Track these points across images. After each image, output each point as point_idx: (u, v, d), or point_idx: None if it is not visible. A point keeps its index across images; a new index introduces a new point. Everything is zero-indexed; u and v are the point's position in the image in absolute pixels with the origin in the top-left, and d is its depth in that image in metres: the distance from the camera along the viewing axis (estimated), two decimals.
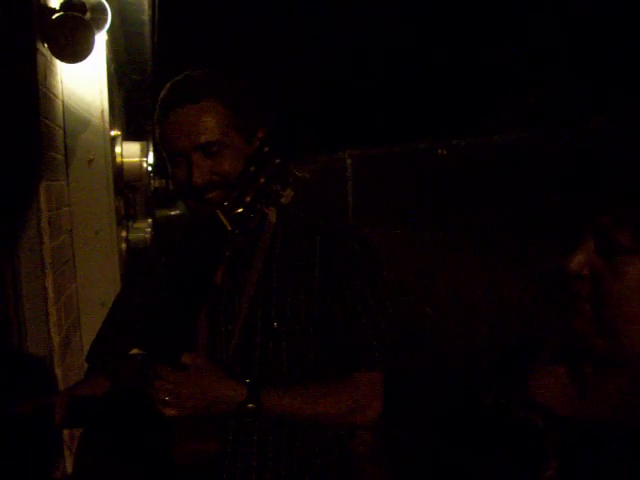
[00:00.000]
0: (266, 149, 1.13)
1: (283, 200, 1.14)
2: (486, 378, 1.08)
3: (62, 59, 2.75)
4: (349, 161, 6.52)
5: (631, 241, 0.82)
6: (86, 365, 1.56)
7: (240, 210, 1.13)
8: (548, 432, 0.93)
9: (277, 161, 1.13)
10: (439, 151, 5.00)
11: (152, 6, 4.31)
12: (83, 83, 3.30)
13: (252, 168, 1.13)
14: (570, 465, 0.89)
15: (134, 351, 1.26)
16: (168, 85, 1.35)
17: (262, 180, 1.12)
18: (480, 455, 1.01)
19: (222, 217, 1.13)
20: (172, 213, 20.27)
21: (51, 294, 2.51)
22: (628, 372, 0.89)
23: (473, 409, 1.05)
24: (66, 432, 2.41)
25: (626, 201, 0.84)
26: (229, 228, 1.13)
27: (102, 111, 3.45)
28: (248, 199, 1.13)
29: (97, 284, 3.36)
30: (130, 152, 4.25)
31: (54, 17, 2.65)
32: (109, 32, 3.61)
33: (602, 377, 0.91)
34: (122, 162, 4.14)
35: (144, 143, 4.68)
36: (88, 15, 2.87)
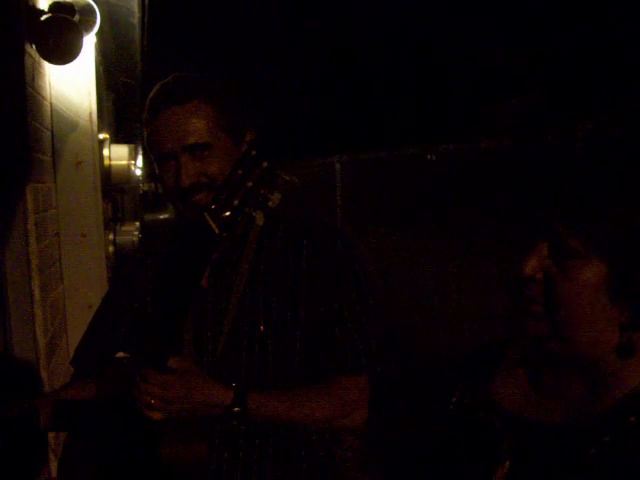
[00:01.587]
0: (254, 152, 1.13)
1: (271, 204, 1.14)
2: (454, 379, 1.10)
3: (50, 61, 2.74)
4: (338, 166, 6.52)
5: (581, 246, 0.85)
6: (72, 368, 1.55)
7: (228, 213, 1.13)
8: (504, 432, 0.95)
9: (265, 164, 1.13)
10: (428, 156, 5.01)
11: (141, 9, 4.30)
12: (71, 85, 3.29)
13: (240, 171, 1.13)
14: (523, 464, 0.92)
15: (120, 354, 1.25)
16: (157, 86, 1.35)
17: (250, 184, 1.12)
18: (447, 454, 1.04)
19: (210, 220, 1.13)
20: (160, 216, 20.21)
21: (37, 296, 2.49)
22: (582, 376, 0.91)
23: (442, 409, 1.08)
24: (51, 435, 2.39)
25: (578, 208, 0.87)
26: (217, 231, 1.13)
27: (90, 113, 3.44)
28: (236, 202, 1.13)
29: (84, 287, 3.35)
30: (118, 155, 4.23)
31: (42, 19, 2.64)
32: (98, 34, 3.60)
33: (558, 379, 0.94)
34: (110, 165, 4.12)
35: (132, 146, 4.66)
36: (77, 17, 2.87)
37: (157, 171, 1.36)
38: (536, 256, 0.90)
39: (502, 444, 0.94)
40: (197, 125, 1.29)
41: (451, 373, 1.15)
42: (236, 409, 1.23)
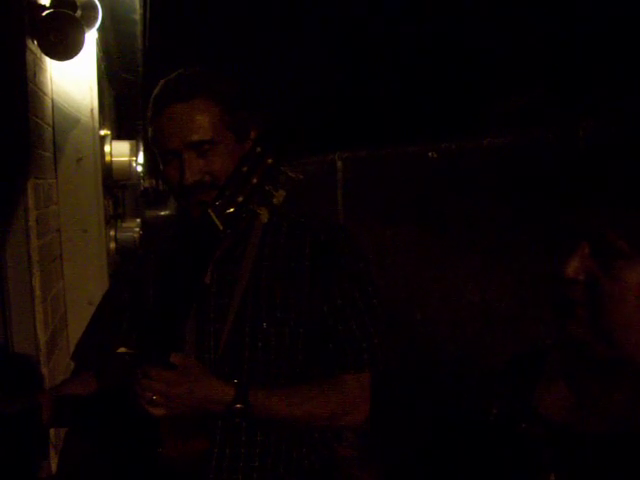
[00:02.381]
0: (259, 149, 1.13)
1: (275, 200, 1.14)
2: (493, 388, 1.07)
3: (52, 57, 2.74)
4: (339, 163, 6.51)
5: (626, 245, 0.82)
6: (72, 364, 1.55)
7: (232, 210, 1.13)
8: (548, 444, 0.92)
9: (270, 161, 1.12)
10: (429, 154, 5.00)
11: (143, 5, 4.29)
12: (73, 81, 3.28)
13: (245, 168, 1.12)
14: (569, 476, 0.89)
15: (121, 350, 1.25)
16: (161, 83, 1.35)
17: (254, 180, 1.12)
18: (485, 465, 1.00)
19: (214, 216, 1.13)
20: (161, 213, 20.22)
21: (38, 292, 2.49)
22: (628, 381, 0.88)
23: (480, 419, 1.04)
24: (52, 431, 2.39)
25: (622, 206, 0.83)
26: (221, 228, 1.13)
27: (92, 109, 3.43)
28: (240, 199, 1.12)
29: (84, 283, 3.35)
30: (119, 151, 4.23)
31: (44, 14, 2.63)
32: (99, 30, 3.59)
33: (602, 386, 0.91)
34: (111, 161, 4.12)
35: (134, 142, 4.66)
36: (78, 12, 2.86)
37: (161, 168, 1.36)
38: (578, 257, 0.86)
39: (546, 456, 0.91)
40: (201, 122, 1.29)
41: (487, 382, 1.11)
42: (238, 406, 1.23)
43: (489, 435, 1.01)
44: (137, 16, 4.45)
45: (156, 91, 1.34)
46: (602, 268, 0.85)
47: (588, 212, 0.87)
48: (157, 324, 1.21)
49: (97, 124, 3.51)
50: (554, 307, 0.91)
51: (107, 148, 4.06)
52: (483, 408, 1.03)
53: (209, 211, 1.13)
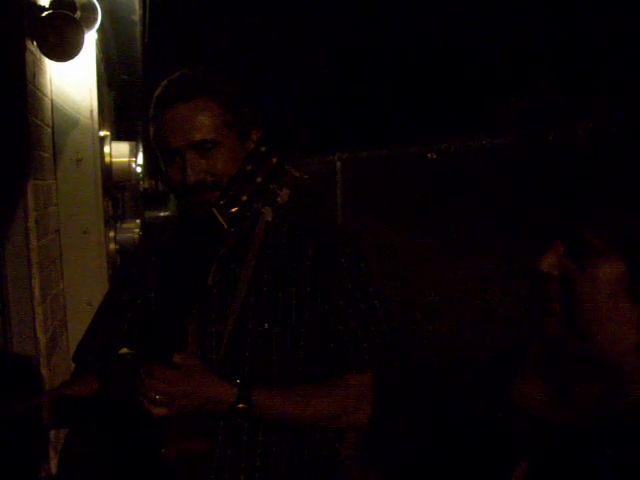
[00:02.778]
0: (263, 148, 1.13)
1: (279, 200, 1.13)
2: (476, 381, 1.09)
3: (51, 57, 2.73)
4: (339, 164, 6.51)
5: (599, 243, 0.83)
6: (73, 365, 1.55)
7: (236, 209, 1.12)
8: (522, 433, 0.94)
9: (274, 160, 1.12)
10: (429, 155, 5.00)
11: (143, 6, 4.29)
12: (72, 82, 3.28)
13: (249, 167, 1.12)
14: (541, 465, 0.91)
15: (123, 350, 1.25)
16: (163, 83, 1.35)
17: (259, 179, 1.11)
18: (465, 455, 1.02)
19: (218, 215, 1.12)
20: (161, 214, 20.22)
21: (37, 294, 2.49)
22: (600, 375, 0.90)
23: (462, 411, 1.06)
24: (52, 433, 2.39)
25: (595, 204, 0.85)
26: (225, 227, 1.12)
27: (91, 110, 3.43)
28: (244, 198, 1.12)
29: (84, 284, 3.34)
30: (119, 152, 4.23)
31: (43, 15, 2.63)
32: (99, 31, 3.59)
33: (575, 379, 0.92)
34: (111, 162, 4.12)
35: (133, 143, 4.66)
36: (78, 14, 2.86)
37: (163, 168, 1.36)
38: (553, 253, 0.88)
39: (519, 445, 0.93)
40: (203, 122, 1.28)
41: (470, 375, 1.13)
42: (241, 406, 1.23)
43: (470, 425, 1.03)
44: (136, 17, 4.45)
45: (158, 91, 1.34)
46: (576, 265, 0.86)
47: (563, 209, 0.88)
48: (159, 324, 1.21)
49: (96, 125, 3.51)
50: (531, 302, 0.92)
51: (107, 149, 4.06)
52: (469, 400, 1.06)
53: (213, 210, 1.12)
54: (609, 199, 0.85)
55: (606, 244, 0.83)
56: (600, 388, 0.90)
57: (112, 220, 4.94)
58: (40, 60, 2.80)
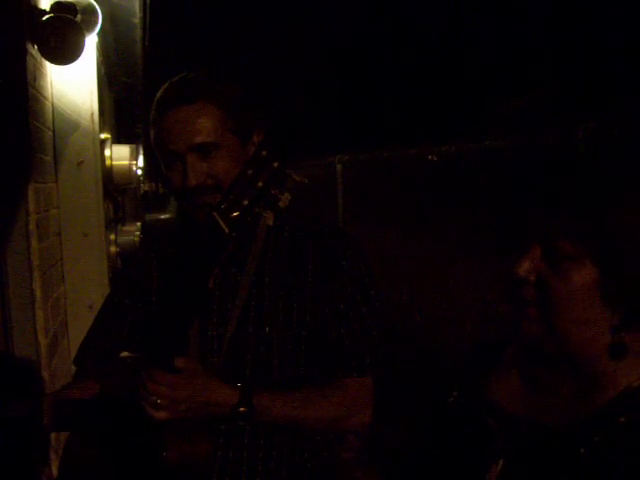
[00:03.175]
0: (264, 153, 1.13)
1: (281, 204, 1.14)
2: (453, 378, 1.12)
3: (52, 61, 2.74)
4: (339, 167, 6.52)
5: (573, 248, 0.86)
6: (74, 368, 1.55)
7: (237, 213, 1.12)
8: (498, 431, 0.96)
9: (275, 165, 1.12)
10: (429, 157, 5.01)
11: (143, 9, 4.30)
12: (73, 85, 3.28)
13: (250, 171, 1.12)
14: (516, 463, 0.93)
15: (124, 354, 1.25)
16: (165, 86, 1.35)
17: (260, 184, 1.12)
18: (442, 452, 1.04)
19: (219, 219, 1.12)
20: (162, 216, 20.22)
21: (38, 297, 2.49)
22: (574, 375, 0.92)
23: (440, 408, 1.09)
24: (53, 435, 2.39)
25: (570, 209, 0.88)
26: (226, 231, 1.12)
27: (92, 113, 3.44)
28: (246, 202, 1.12)
29: (85, 287, 3.34)
30: (120, 155, 4.23)
31: (44, 18, 2.63)
32: (99, 34, 3.60)
33: (551, 379, 0.95)
34: (111, 165, 4.12)
35: (134, 146, 4.66)
36: (78, 17, 2.87)
37: (163, 171, 1.36)
38: (529, 258, 0.91)
39: (496, 443, 0.95)
40: (204, 125, 1.29)
41: (448, 373, 1.16)
42: (242, 409, 1.23)
43: (448, 422, 1.06)
44: (137, 20, 4.45)
45: (159, 94, 1.34)
46: (551, 270, 0.89)
47: (544, 214, 0.91)
48: (160, 328, 1.21)
49: (97, 128, 3.51)
50: (508, 305, 0.95)
51: (107, 152, 4.06)
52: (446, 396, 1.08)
53: (214, 214, 1.12)
54: (583, 204, 0.88)
55: (580, 249, 0.86)
56: (575, 387, 0.93)
57: (113, 223, 4.94)
58: (41, 63, 2.80)
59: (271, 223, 1.16)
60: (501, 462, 0.94)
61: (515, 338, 1.00)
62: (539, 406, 0.95)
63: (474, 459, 0.97)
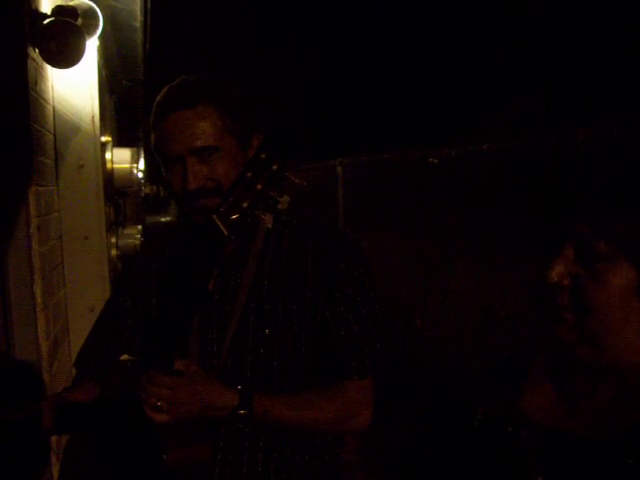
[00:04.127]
0: (263, 155, 1.13)
1: (280, 206, 1.14)
2: (478, 391, 1.07)
3: (53, 64, 2.74)
4: (340, 169, 6.52)
5: (609, 249, 0.83)
6: (74, 371, 1.55)
7: (236, 216, 1.12)
8: (534, 446, 0.92)
9: (275, 167, 1.12)
10: (430, 160, 5.02)
11: (144, 12, 4.31)
12: (74, 89, 3.29)
13: (249, 174, 1.12)
14: (559, 478, 0.88)
15: (124, 357, 1.25)
16: (165, 89, 1.35)
17: (259, 186, 1.12)
18: (472, 469, 1.00)
19: (218, 222, 1.12)
20: (162, 219, 20.23)
21: (39, 300, 2.49)
22: (612, 384, 0.88)
23: (466, 422, 1.04)
24: (53, 438, 2.39)
25: (604, 210, 0.84)
26: (226, 233, 1.13)
27: (93, 117, 3.44)
28: (245, 205, 1.12)
29: (86, 290, 3.35)
30: (121, 158, 4.24)
31: (45, 22, 2.64)
32: (100, 38, 3.60)
33: (589, 391, 0.91)
34: (112, 168, 4.13)
35: (135, 149, 4.67)
36: (79, 21, 2.87)
37: (164, 174, 1.37)
38: (562, 261, 0.87)
39: (533, 458, 0.91)
40: (204, 128, 1.29)
41: (474, 384, 1.12)
42: (242, 411, 1.23)
43: (476, 439, 1.01)
44: (138, 23, 4.46)
45: (159, 97, 1.35)
46: (586, 272, 0.85)
47: (577, 216, 0.87)
48: (160, 331, 1.21)
49: (98, 131, 3.52)
50: (540, 311, 0.91)
51: (108, 155, 4.07)
52: (471, 411, 1.03)
53: (214, 217, 1.13)
54: (618, 203, 0.84)
55: (616, 250, 0.82)
56: (613, 395, 0.88)
57: (114, 226, 4.95)
58: (42, 67, 2.81)
59: (270, 225, 1.17)
60: (539, 479, 0.89)
61: (548, 346, 0.96)
62: (576, 417, 0.91)
63: (509, 476, 0.93)
